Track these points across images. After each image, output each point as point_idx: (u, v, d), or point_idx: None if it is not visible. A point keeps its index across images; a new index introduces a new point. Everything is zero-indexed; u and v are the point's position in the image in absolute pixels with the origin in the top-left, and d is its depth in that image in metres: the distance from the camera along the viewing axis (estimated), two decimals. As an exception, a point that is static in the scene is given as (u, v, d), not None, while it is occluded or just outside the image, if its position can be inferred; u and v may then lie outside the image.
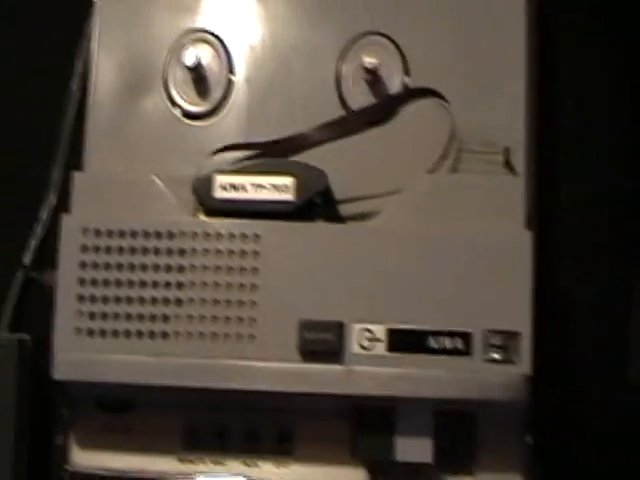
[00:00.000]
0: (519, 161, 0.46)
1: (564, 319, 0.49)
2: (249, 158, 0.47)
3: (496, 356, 0.42)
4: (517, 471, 0.43)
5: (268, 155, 0.47)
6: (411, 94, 0.47)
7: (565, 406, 0.48)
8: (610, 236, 0.50)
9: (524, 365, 0.42)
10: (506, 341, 0.42)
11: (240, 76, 0.48)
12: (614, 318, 0.49)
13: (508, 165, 0.45)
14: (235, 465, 0.45)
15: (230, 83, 0.48)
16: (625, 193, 0.50)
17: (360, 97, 0.48)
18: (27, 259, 0.52)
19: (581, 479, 0.49)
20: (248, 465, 0.45)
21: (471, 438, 0.43)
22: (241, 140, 0.47)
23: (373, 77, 0.47)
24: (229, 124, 0.48)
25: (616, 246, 0.50)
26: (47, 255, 0.52)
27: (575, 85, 0.51)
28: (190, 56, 0.47)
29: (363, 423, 0.44)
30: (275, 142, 0.47)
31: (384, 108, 0.47)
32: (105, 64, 0.49)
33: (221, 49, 0.49)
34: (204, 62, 0.48)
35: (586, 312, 0.49)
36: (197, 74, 0.48)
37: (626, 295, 0.49)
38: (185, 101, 0.49)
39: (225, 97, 0.48)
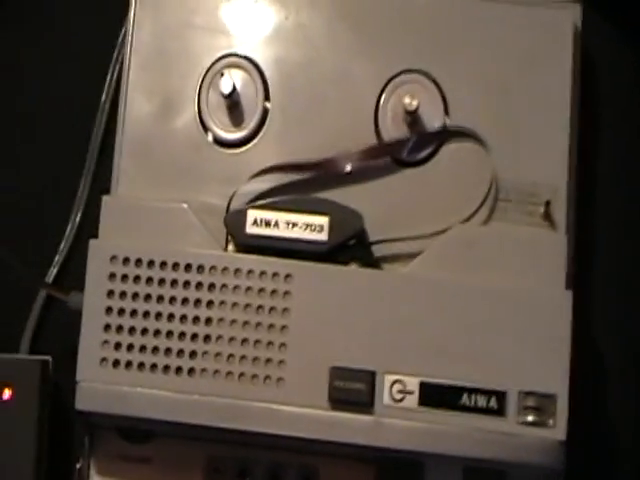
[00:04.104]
0: (560, 215, 0.44)
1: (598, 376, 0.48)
2: (282, 192, 0.46)
3: (530, 418, 0.41)
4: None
5: (301, 187, 0.45)
6: (449, 133, 0.45)
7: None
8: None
9: (559, 429, 0.41)
10: (541, 403, 0.41)
11: (275, 104, 0.47)
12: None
13: (548, 218, 0.44)
14: (257, 505, 0.45)
15: (265, 111, 0.47)
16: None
17: (398, 134, 0.46)
18: (50, 277, 0.51)
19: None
20: (270, 505, 0.45)
21: (500, 496, 0.42)
22: (274, 172, 0.46)
23: (413, 116, 0.45)
24: (262, 153, 0.47)
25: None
26: (70, 274, 0.51)
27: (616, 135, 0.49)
28: (226, 83, 0.46)
29: (390, 474, 0.43)
30: (311, 164, 0.45)
31: (421, 143, 0.46)
32: (138, 84, 0.48)
33: (257, 76, 0.47)
34: (239, 88, 0.47)
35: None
36: (232, 101, 0.47)
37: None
38: (218, 127, 0.47)
39: (259, 125, 0.47)
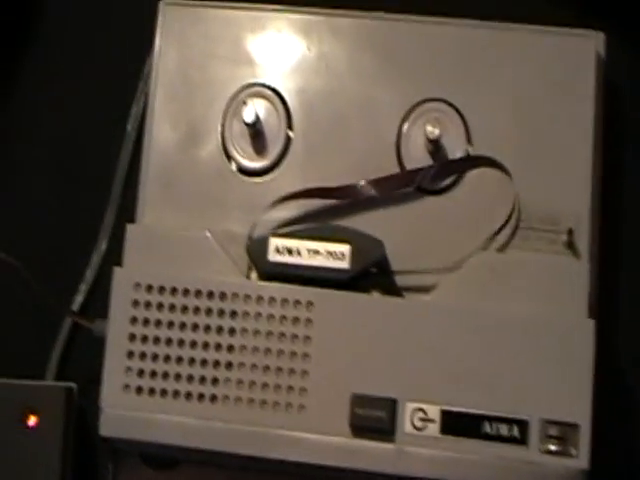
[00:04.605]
0: (583, 243, 0.44)
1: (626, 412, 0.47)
2: (304, 220, 0.46)
3: (553, 448, 0.41)
4: None
5: (322, 215, 0.46)
6: (471, 161, 0.45)
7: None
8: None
9: (582, 459, 0.41)
10: (564, 433, 0.41)
11: (298, 133, 0.47)
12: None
13: (571, 247, 0.44)
14: (279, 533, 0.45)
15: (288, 140, 0.47)
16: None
17: (420, 162, 0.46)
18: (75, 305, 0.51)
19: None
20: (292, 533, 0.45)
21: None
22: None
23: (435, 145, 0.46)
24: (285, 182, 0.47)
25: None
26: (96, 302, 0.51)
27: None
28: (249, 112, 0.46)
29: (411, 503, 0.43)
30: (331, 191, 0.45)
31: (444, 171, 0.46)
32: (162, 112, 0.48)
33: (280, 104, 0.48)
34: (262, 117, 0.47)
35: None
36: (255, 130, 0.47)
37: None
38: (241, 156, 0.48)
39: (282, 154, 0.47)
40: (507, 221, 0.45)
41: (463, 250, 0.44)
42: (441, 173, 0.46)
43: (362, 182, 0.45)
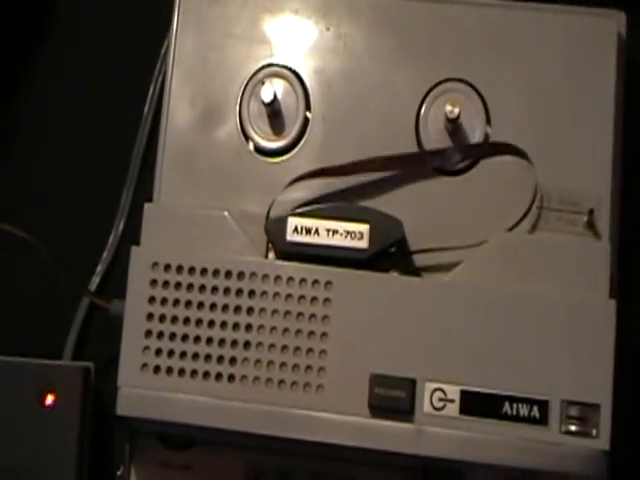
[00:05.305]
0: (603, 224, 0.44)
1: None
2: (322, 200, 0.46)
3: (573, 428, 0.41)
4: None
5: (341, 195, 0.46)
6: (493, 148, 0.45)
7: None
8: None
9: (603, 439, 0.41)
10: (585, 413, 0.41)
11: (316, 113, 0.47)
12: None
13: (591, 227, 0.43)
14: (296, 513, 0.45)
15: (306, 120, 0.47)
16: None
17: (439, 143, 0.46)
18: (93, 285, 0.51)
19: None
20: (309, 514, 0.45)
21: (542, 505, 0.42)
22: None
23: (454, 125, 0.45)
24: (303, 162, 0.47)
25: None
26: (113, 282, 0.51)
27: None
28: (267, 92, 0.46)
29: (431, 482, 0.43)
30: (346, 167, 0.45)
31: (462, 154, 0.45)
32: (179, 93, 0.48)
33: (298, 85, 0.47)
34: (280, 97, 0.47)
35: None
36: (273, 110, 0.47)
37: None
38: (259, 136, 0.47)
39: (300, 134, 0.47)
40: (529, 204, 0.44)
41: (481, 230, 0.44)
42: (460, 157, 0.45)
43: (375, 157, 0.45)
